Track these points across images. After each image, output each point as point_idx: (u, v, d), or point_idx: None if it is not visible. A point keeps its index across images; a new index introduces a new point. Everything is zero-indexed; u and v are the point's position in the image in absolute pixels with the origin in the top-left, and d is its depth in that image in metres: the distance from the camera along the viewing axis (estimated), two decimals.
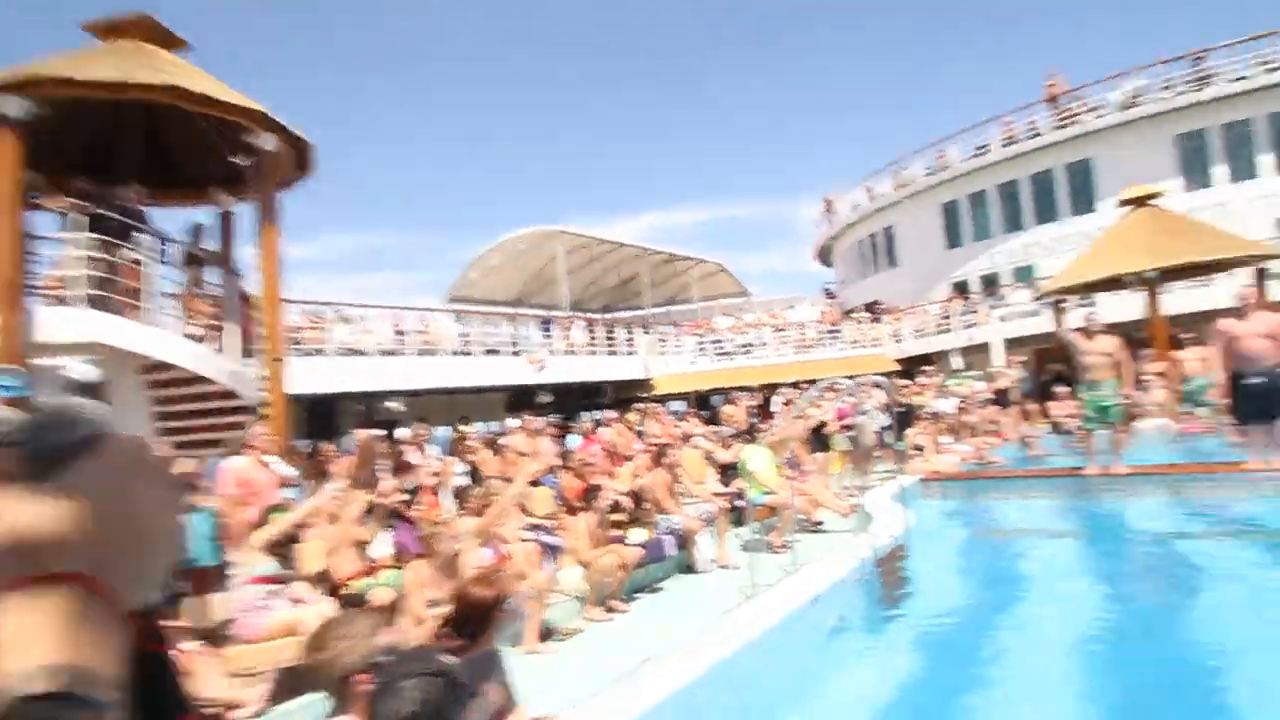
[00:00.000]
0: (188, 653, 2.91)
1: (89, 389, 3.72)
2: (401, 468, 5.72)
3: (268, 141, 6.73)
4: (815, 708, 3.21)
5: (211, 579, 3.71)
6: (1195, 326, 13.48)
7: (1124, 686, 3.08)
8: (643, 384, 18.31)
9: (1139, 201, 12.74)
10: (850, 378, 8.47)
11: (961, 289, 22.93)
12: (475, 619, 2.39)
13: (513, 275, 22.06)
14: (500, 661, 2.39)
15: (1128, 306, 14.20)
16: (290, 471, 5.48)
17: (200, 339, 6.75)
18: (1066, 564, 4.92)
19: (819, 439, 8.90)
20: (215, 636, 3.42)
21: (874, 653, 3.80)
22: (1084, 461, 7.58)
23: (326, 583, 3.95)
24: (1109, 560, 4.92)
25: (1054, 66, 25.69)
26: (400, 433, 8.21)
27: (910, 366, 19.12)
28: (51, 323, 5.75)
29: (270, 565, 3.73)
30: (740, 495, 6.96)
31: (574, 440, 9.42)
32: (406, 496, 4.83)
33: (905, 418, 10.06)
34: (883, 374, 16.78)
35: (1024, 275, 21.02)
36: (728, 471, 7.93)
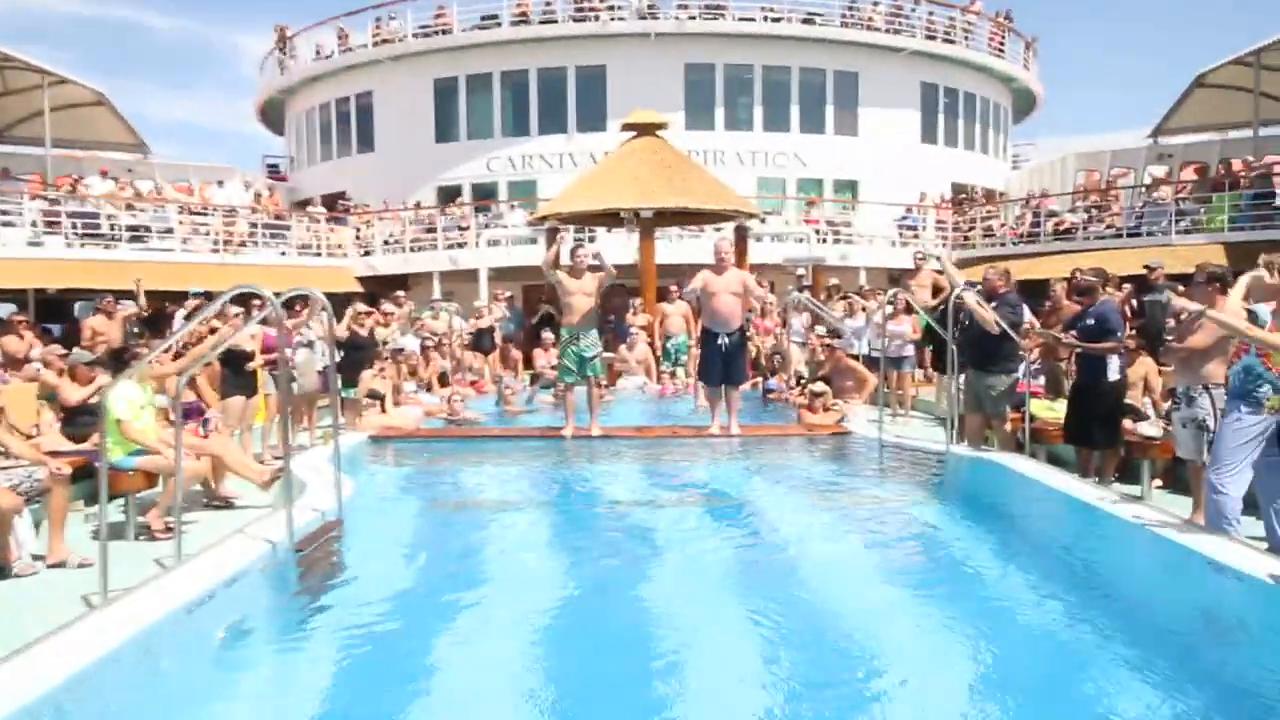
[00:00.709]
0: None
1: None
2: None
3: None
4: None
5: None
6: (684, 279, 17.40)
7: (578, 667, 3.82)
8: None
9: (643, 129, 15.63)
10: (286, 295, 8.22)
11: (451, 196, 24.67)
12: None
13: None
14: None
15: (629, 247, 17.41)
16: None
17: None
18: (530, 539, 5.79)
19: (236, 375, 8.56)
20: None
21: (284, 662, 3.88)
22: (562, 420, 9.09)
23: None
24: (575, 533, 5.99)
25: None
26: None
27: (379, 288, 19.80)
28: None
29: None
30: (97, 455, 6.25)
31: None
32: None
33: (360, 356, 10.40)
34: (344, 294, 17.02)
35: (524, 191, 23.74)
36: (79, 418, 7.15)
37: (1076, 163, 25.59)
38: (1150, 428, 7.68)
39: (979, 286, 8.45)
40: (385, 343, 11.25)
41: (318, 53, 26.99)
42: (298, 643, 4.05)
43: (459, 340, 13.22)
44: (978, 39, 26.49)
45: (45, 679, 3.02)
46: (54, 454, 6.16)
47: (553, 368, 13.21)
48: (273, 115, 30.58)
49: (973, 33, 26.30)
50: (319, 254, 21.95)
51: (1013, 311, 7.94)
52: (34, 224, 18.53)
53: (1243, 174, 19.45)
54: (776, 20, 24.06)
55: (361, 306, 11.12)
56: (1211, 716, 3.31)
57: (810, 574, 4.99)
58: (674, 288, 14.98)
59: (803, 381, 11.50)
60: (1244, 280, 5.86)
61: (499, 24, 24.15)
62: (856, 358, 11.75)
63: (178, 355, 7.59)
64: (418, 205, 23.37)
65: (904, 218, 22.98)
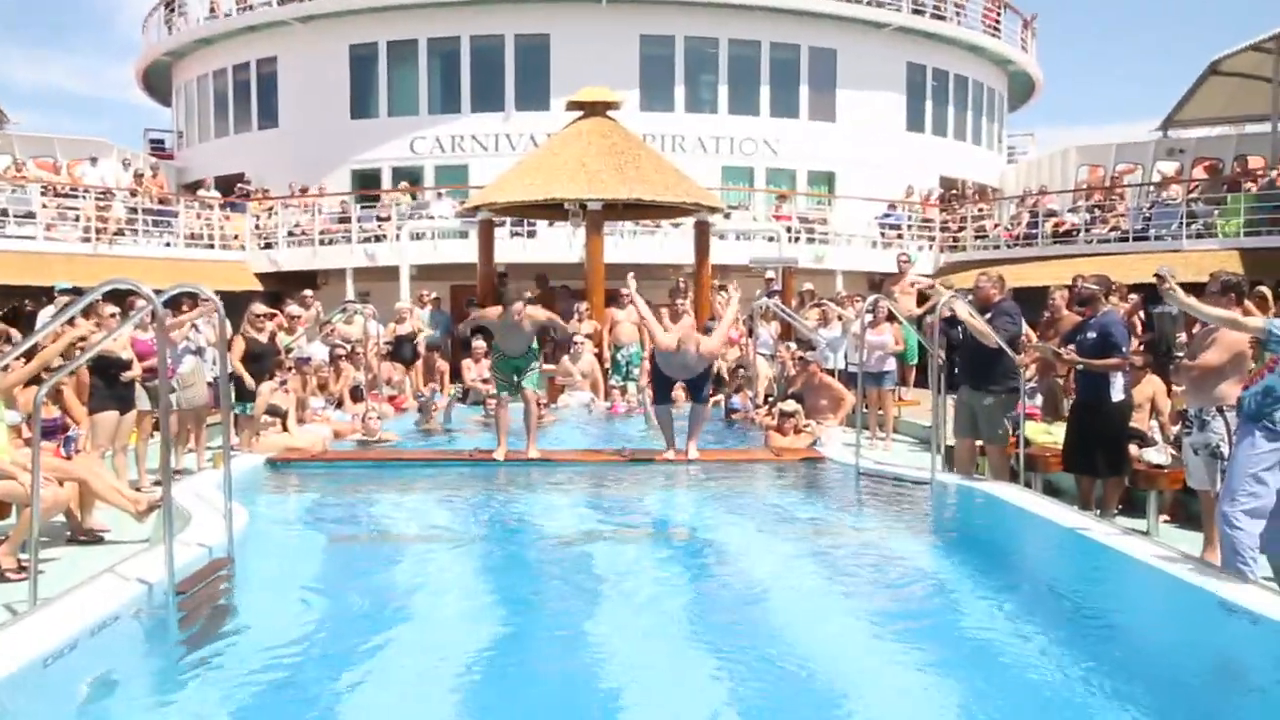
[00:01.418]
0: None
1: None
2: None
3: None
4: None
5: None
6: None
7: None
8: None
9: (592, 109, 15.68)
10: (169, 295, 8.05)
11: (368, 181, 24.46)
12: None
13: None
14: None
15: (572, 244, 17.43)
16: None
17: None
18: (453, 580, 5.75)
19: (109, 387, 8.37)
20: None
21: None
22: (493, 441, 9.06)
23: None
24: (505, 573, 5.96)
25: None
26: None
27: (282, 287, 19.54)
28: None
29: None
30: None
31: None
32: None
33: (258, 366, 10.26)
34: (241, 293, 16.77)
35: (453, 177, 23.64)
36: None
37: (1078, 157, 26.25)
38: (1157, 454, 7.87)
39: (970, 296, 8.58)
40: (289, 350, 11.10)
41: (212, 10, 26.64)
42: (177, 702, 3.96)
43: (375, 349, 13.08)
44: (970, 16, 27.06)
45: None
46: None
47: (484, 381, 13.17)
48: (157, 82, 30.06)
49: (965, 8, 26.87)
50: (211, 246, 21.62)
51: (1011, 322, 8.09)
52: None
53: (1260, 173, 20.08)
54: None
55: (260, 308, 10.98)
56: None
57: (776, 622, 5.01)
58: (625, 290, 15.02)
59: (771, 400, 11.59)
60: None
61: None
62: (832, 373, 11.87)
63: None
64: (322, 191, 23.11)
65: (886, 215, 23.33)
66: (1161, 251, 17.71)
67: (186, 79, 28.25)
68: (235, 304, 10.19)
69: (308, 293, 15.52)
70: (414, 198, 22.13)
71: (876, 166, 24.82)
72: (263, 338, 10.63)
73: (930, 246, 22.86)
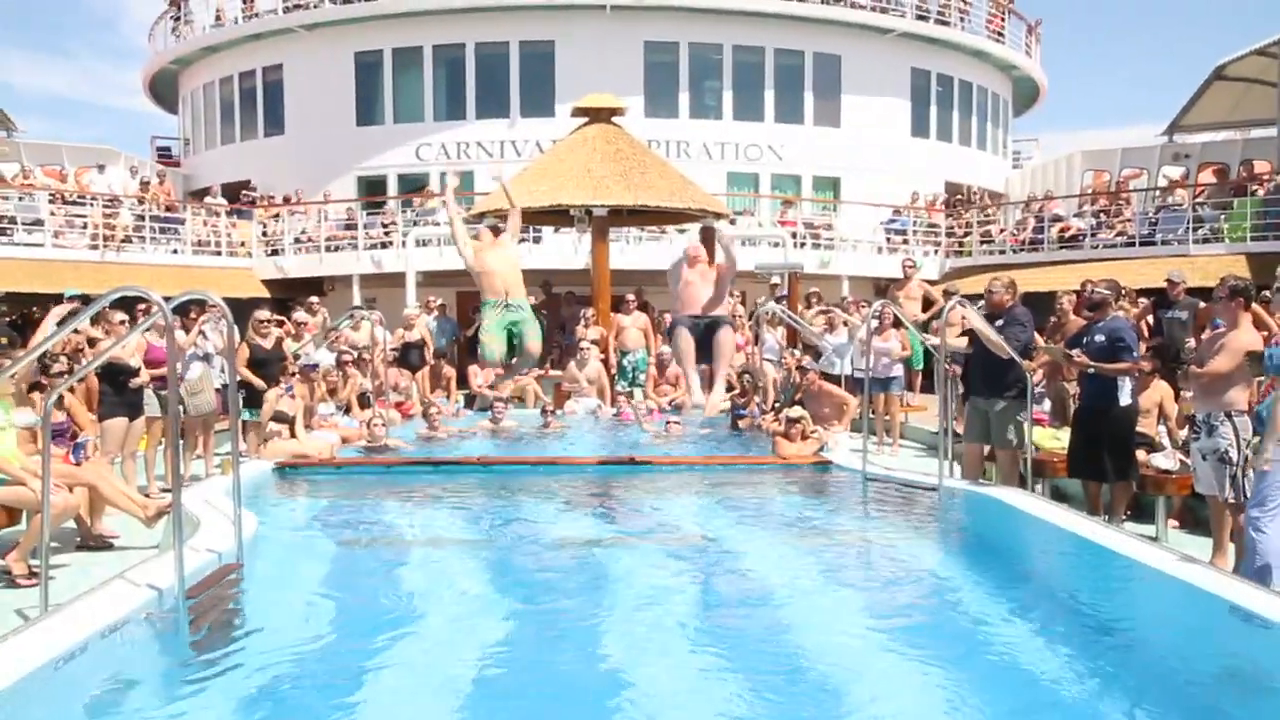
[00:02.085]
0: None
1: None
2: None
3: None
4: None
5: None
6: (642, 287, 17.49)
7: None
8: None
9: (597, 115, 15.70)
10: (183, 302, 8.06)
11: (375, 189, 24.51)
12: None
13: None
14: None
15: (578, 250, 17.43)
16: None
17: None
18: (461, 585, 5.77)
19: (118, 393, 8.40)
20: None
21: None
22: (499, 448, 9.09)
23: None
24: (512, 578, 5.97)
25: None
26: None
27: (288, 293, 19.60)
28: None
29: None
30: None
31: None
32: None
33: (264, 373, 10.27)
34: (247, 299, 16.80)
35: (460, 184, 23.67)
36: None
37: (1083, 162, 26.22)
38: (1165, 460, 7.86)
39: (980, 303, 8.59)
40: (296, 357, 11.12)
41: (218, 18, 26.71)
42: (187, 706, 3.97)
43: (383, 355, 13.10)
44: (975, 21, 27.05)
45: None
46: None
47: (490, 387, 13.18)
48: (164, 90, 30.13)
49: (969, 14, 26.87)
50: (218, 252, 21.66)
51: (1023, 330, 8.08)
52: None
53: (1266, 177, 20.06)
54: None
55: (264, 314, 11.00)
56: None
57: (784, 626, 5.01)
58: (630, 297, 15.02)
59: (778, 405, 11.59)
60: None
61: None
62: (838, 379, 11.87)
63: (46, 368, 7.43)
64: (327, 198, 23.15)
65: (892, 220, 23.33)
66: (1168, 256, 17.67)
67: (193, 87, 28.33)
68: (242, 311, 10.22)
69: (314, 300, 15.56)
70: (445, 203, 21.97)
71: (881, 172, 24.82)
72: (267, 344, 10.65)
73: (936, 252, 22.86)
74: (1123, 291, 8.45)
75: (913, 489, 7.81)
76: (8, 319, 13.03)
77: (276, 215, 22.63)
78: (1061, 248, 20.47)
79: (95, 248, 19.57)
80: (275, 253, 21.92)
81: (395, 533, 7.15)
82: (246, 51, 26.24)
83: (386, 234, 21.18)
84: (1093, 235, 20.45)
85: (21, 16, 76.28)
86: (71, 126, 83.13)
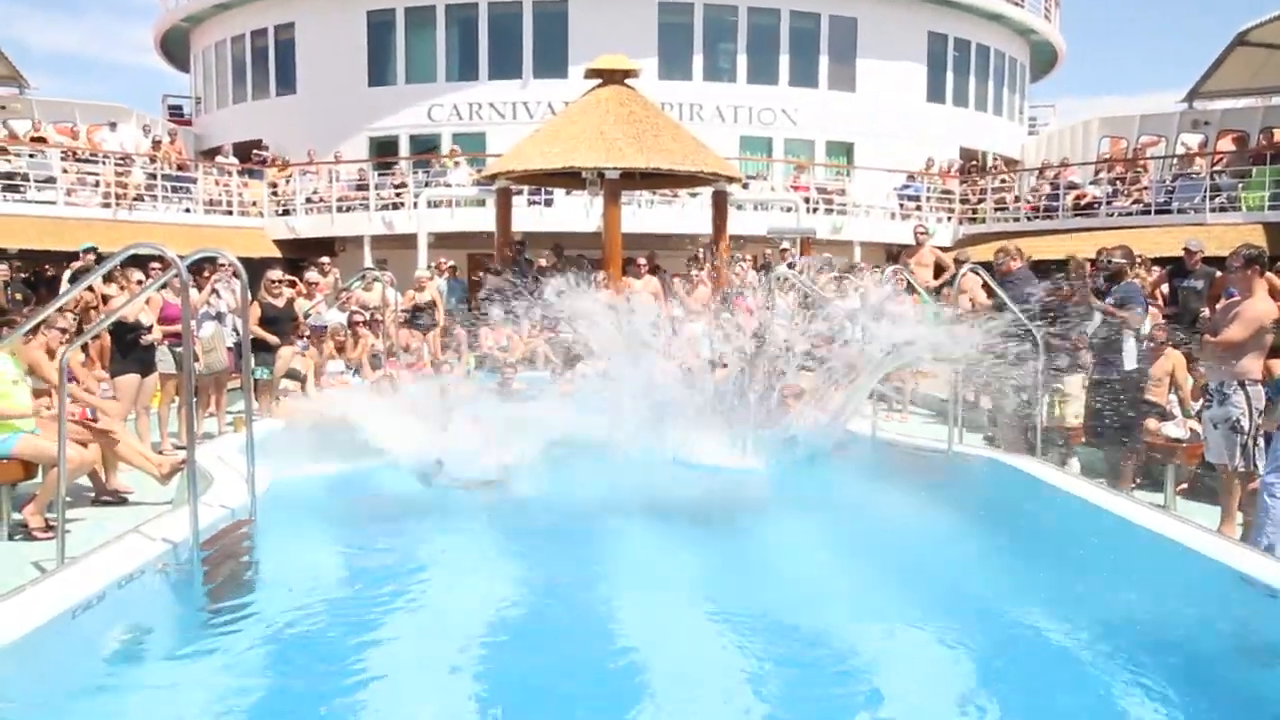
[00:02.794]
0: None
1: None
2: None
3: None
4: None
5: None
6: (654, 251, 17.42)
7: (525, 676, 3.87)
8: None
9: (610, 77, 15.59)
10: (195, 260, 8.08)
11: (385, 149, 24.42)
12: None
13: None
14: None
15: (589, 213, 17.34)
16: None
17: None
18: (467, 538, 5.83)
19: (130, 350, 8.45)
20: None
21: (184, 676, 3.87)
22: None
23: None
24: (523, 528, 6.03)
25: None
26: None
27: (299, 254, 19.59)
28: None
29: None
30: None
31: None
32: None
33: (275, 331, 10.31)
34: (259, 259, 16.82)
35: (471, 145, 23.58)
36: None
37: (1101, 128, 25.95)
38: (1176, 428, 7.86)
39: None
40: (306, 316, 11.16)
41: None
42: (201, 654, 4.04)
43: (394, 316, 13.12)
44: None
45: None
46: None
47: (502, 349, 13.21)
48: (175, 48, 30.03)
49: None
50: (229, 212, 21.68)
51: (1025, 283, 8.19)
52: None
53: None
54: None
55: (276, 273, 11.02)
56: None
57: (791, 587, 5.04)
58: (641, 260, 14.98)
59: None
60: None
61: None
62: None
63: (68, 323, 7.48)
64: (337, 158, 23.08)
65: (905, 186, 23.18)
66: (1184, 225, 17.53)
67: (204, 45, 28.21)
68: (253, 270, 10.23)
69: (326, 260, 15.57)
70: (456, 164, 21.91)
71: (896, 137, 24.64)
72: (279, 303, 10.68)
73: (949, 219, 22.72)
74: (1136, 259, 8.42)
75: (922, 453, 7.83)
76: (21, 276, 13.08)
77: (289, 175, 22.58)
78: (1076, 215, 20.33)
79: (107, 206, 19.59)
80: (286, 213, 21.91)
81: (405, 490, 7.19)
82: (258, 9, 26.09)
83: (398, 195, 21.13)
84: (1108, 203, 20.29)
85: None
86: (83, 84, 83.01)
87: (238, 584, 4.77)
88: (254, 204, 22.11)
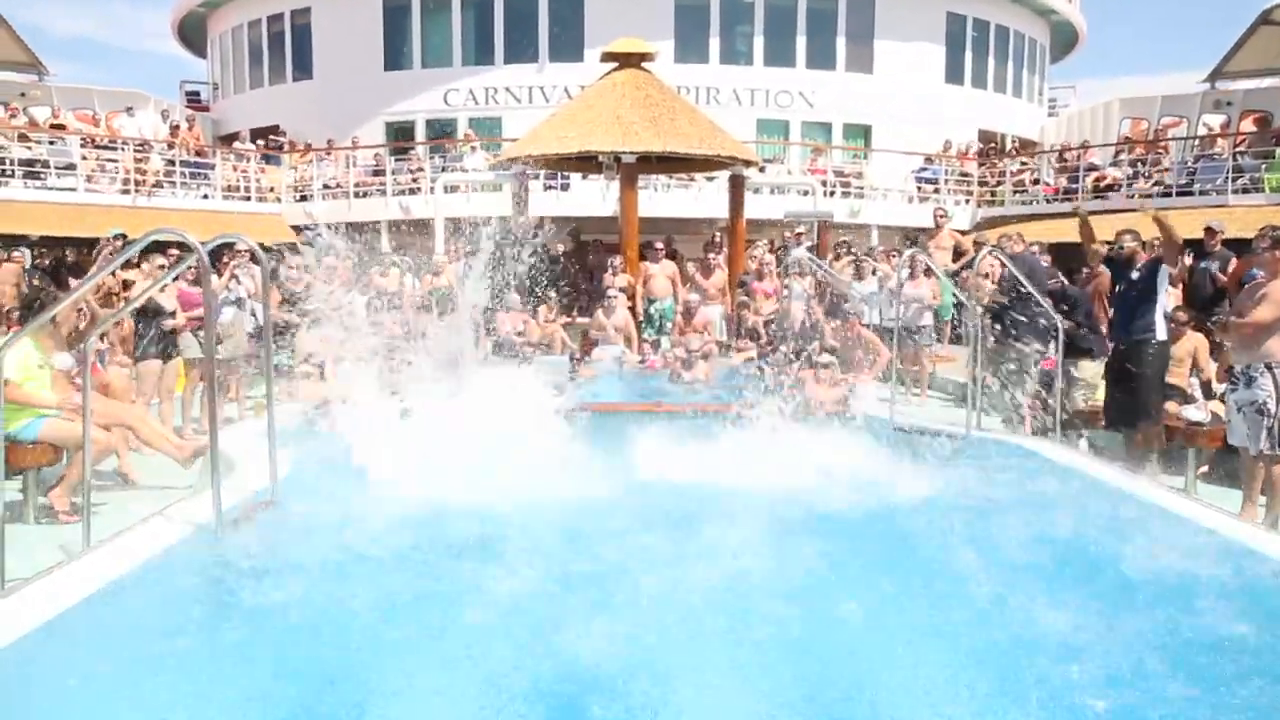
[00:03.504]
0: None
1: None
2: None
3: None
4: None
5: None
6: (670, 235, 17.42)
7: (548, 666, 3.88)
8: None
9: (626, 60, 15.54)
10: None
11: (402, 133, 24.44)
12: None
13: None
14: None
15: (606, 197, 17.33)
16: None
17: None
18: (486, 521, 5.85)
19: (152, 335, 8.52)
20: None
21: (212, 667, 3.89)
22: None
23: None
24: (541, 515, 6.05)
25: None
26: None
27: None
28: None
29: None
30: None
31: None
32: None
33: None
34: (277, 245, 16.87)
35: (487, 129, 23.58)
36: None
37: (1121, 110, 25.71)
38: (1197, 411, 7.81)
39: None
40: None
41: None
42: (226, 636, 4.07)
43: (411, 302, 13.15)
44: None
45: None
46: None
47: (519, 334, 13.23)
48: (192, 34, 30.11)
49: None
50: (248, 198, 21.75)
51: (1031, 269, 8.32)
52: None
53: None
54: None
55: (295, 259, 11.05)
56: None
57: (806, 572, 5.04)
58: (658, 244, 14.97)
59: (803, 353, 11.55)
60: None
61: None
62: (865, 328, 11.82)
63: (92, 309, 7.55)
64: (355, 144, 23.10)
65: (923, 169, 23.04)
66: (1205, 207, 17.38)
67: (221, 30, 28.26)
68: (272, 256, 10.29)
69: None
70: (473, 149, 21.93)
71: (914, 119, 24.47)
72: (298, 289, 10.72)
73: (967, 201, 22.59)
74: (1144, 242, 8.39)
75: (939, 438, 7.81)
76: (42, 264, 13.18)
77: (306, 159, 22.63)
78: (1096, 198, 20.16)
79: (127, 192, 19.70)
80: (304, 198, 21.98)
81: (426, 472, 7.22)
82: None
83: (414, 180, 21.15)
84: (1129, 185, 20.12)
85: None
86: (101, 70, 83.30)
87: (260, 567, 4.80)
88: (271, 190, 22.17)
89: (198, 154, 22.27)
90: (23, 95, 22.59)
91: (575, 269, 16.70)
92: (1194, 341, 8.66)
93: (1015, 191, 22.27)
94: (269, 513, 5.33)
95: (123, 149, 20.64)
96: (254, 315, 10.35)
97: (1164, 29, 73.83)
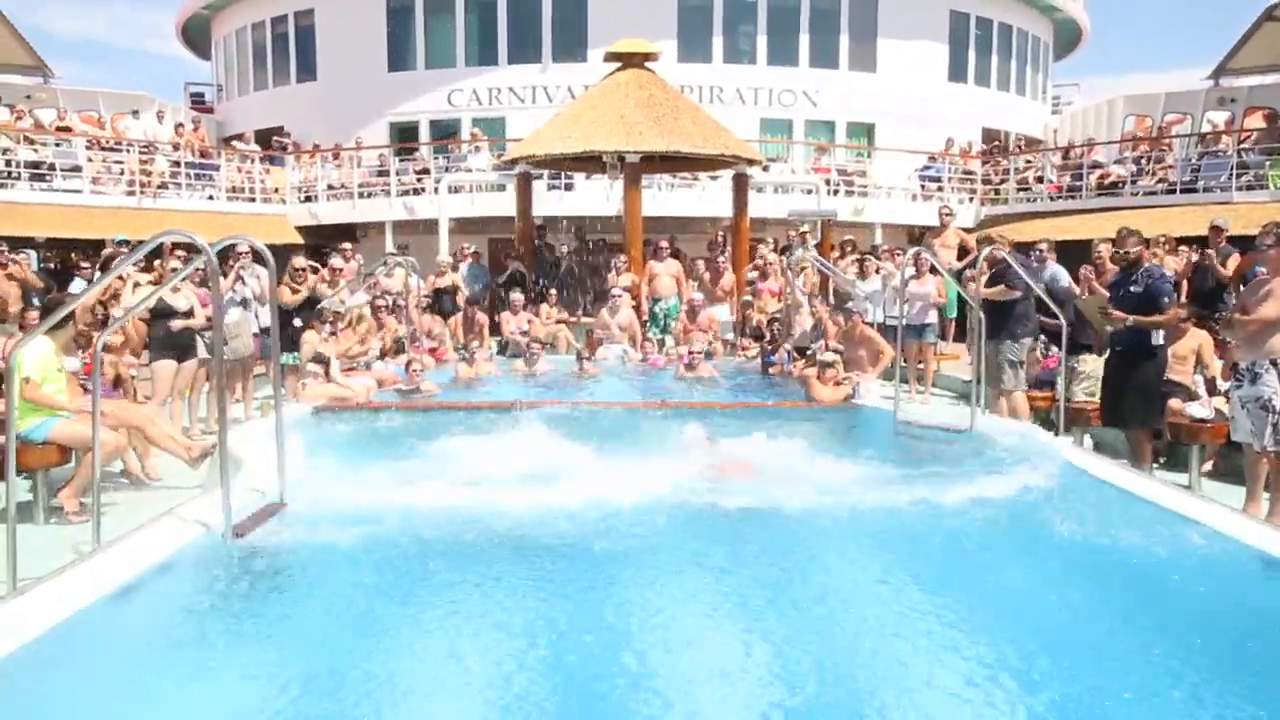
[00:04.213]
0: None
1: None
2: None
3: None
4: None
5: None
6: (674, 235, 17.43)
7: (557, 664, 3.91)
8: None
9: (629, 60, 15.58)
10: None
11: (407, 135, 24.49)
12: None
13: None
14: None
15: (610, 197, 17.38)
16: None
17: None
18: (499, 525, 5.87)
19: (166, 335, 8.56)
20: None
21: (222, 664, 3.93)
22: (533, 392, 9.18)
23: None
24: (548, 513, 6.07)
25: None
26: None
27: (321, 240, 19.72)
28: None
29: None
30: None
31: None
32: None
33: (300, 317, 10.40)
34: (282, 246, 16.93)
35: (491, 130, 23.62)
36: None
37: (1125, 107, 25.71)
38: (1200, 408, 7.82)
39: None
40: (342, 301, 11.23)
41: None
42: (235, 635, 4.11)
43: (416, 301, 13.20)
44: None
45: None
46: None
47: (523, 333, 13.27)
48: (196, 35, 30.20)
49: None
50: (252, 199, 21.81)
51: (1008, 270, 8.56)
52: None
53: None
54: None
55: (301, 261, 11.10)
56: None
57: (812, 563, 5.08)
58: (663, 243, 15.00)
59: (808, 352, 11.58)
60: None
61: None
62: (870, 326, 11.84)
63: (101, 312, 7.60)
64: (358, 144, 23.13)
65: (927, 168, 23.05)
66: (1210, 204, 17.37)
67: (225, 32, 28.33)
68: (276, 257, 10.33)
69: (348, 246, 15.66)
70: (477, 149, 21.96)
71: (917, 118, 24.49)
72: (304, 290, 10.77)
73: (971, 199, 22.59)
74: (1147, 241, 8.44)
75: (943, 434, 7.83)
76: (49, 265, 13.27)
77: (311, 159, 22.69)
78: (1101, 195, 20.16)
79: (132, 194, 19.77)
80: (309, 199, 22.03)
81: (432, 473, 7.25)
82: None
83: (419, 180, 21.20)
84: (1133, 182, 20.11)
85: None
86: (105, 72, 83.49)
87: (270, 566, 4.84)
88: (276, 190, 22.23)
89: (202, 155, 22.33)
90: (28, 98, 22.67)
91: (579, 269, 16.75)
92: (1198, 339, 8.67)
93: (1019, 189, 22.27)
94: (277, 512, 5.37)
95: (128, 151, 20.71)
96: (258, 316, 10.41)
97: (1168, 26, 73.77)
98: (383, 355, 12.00)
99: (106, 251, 12.43)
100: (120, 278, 8.34)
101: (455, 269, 15.33)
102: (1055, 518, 6.07)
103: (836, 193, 21.34)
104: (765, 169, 19.08)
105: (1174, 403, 7.88)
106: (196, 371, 9.21)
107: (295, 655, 3.96)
